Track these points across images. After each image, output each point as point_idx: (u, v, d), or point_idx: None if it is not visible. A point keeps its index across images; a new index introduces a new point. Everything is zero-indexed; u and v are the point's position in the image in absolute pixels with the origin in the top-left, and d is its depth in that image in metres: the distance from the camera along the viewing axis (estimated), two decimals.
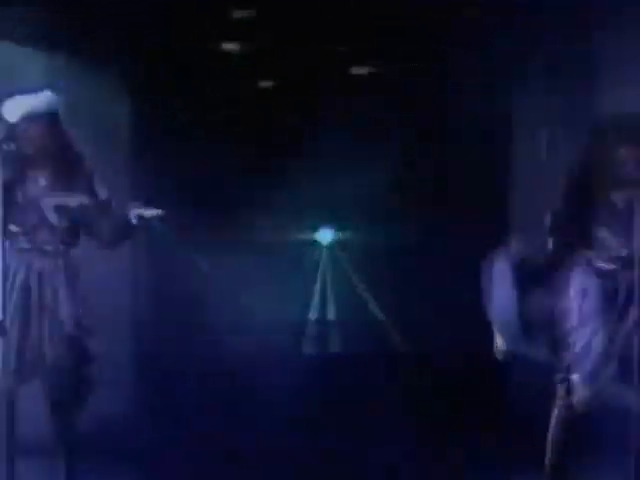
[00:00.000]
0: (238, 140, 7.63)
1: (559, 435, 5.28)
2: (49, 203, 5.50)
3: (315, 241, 7.07)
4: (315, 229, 7.11)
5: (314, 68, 7.73)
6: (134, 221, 5.59)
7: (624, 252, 5.11)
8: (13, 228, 5.32)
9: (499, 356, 5.29)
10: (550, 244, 5.30)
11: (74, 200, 5.57)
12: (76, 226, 5.55)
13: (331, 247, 7.07)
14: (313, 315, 7.06)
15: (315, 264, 7.12)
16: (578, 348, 5.20)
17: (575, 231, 5.26)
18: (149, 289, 7.71)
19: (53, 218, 5.49)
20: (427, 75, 7.55)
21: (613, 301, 5.13)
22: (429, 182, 7.70)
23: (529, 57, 6.99)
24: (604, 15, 6.28)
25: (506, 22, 6.46)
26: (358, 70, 8.11)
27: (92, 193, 5.54)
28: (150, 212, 5.56)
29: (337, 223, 7.16)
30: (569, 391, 5.20)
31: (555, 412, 5.26)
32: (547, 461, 5.30)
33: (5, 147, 5.07)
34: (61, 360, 5.45)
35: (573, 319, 5.21)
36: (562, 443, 5.28)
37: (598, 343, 5.17)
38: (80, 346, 5.52)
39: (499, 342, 5.29)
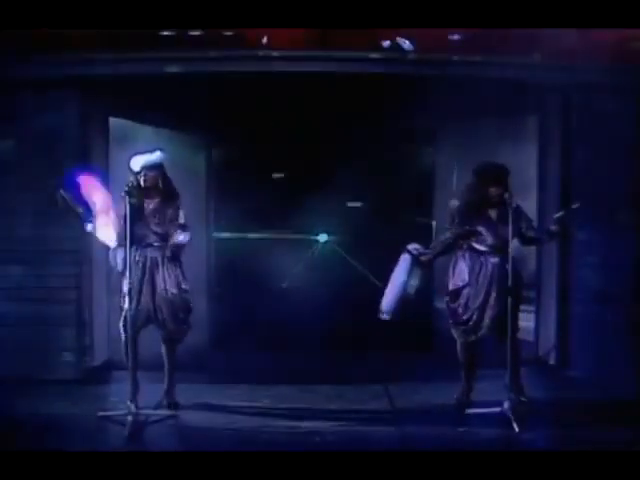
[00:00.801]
0: (272, 184, 9.14)
1: (461, 352, 6.86)
2: (154, 218, 6.82)
3: (317, 240, 8.65)
4: (317, 232, 8.66)
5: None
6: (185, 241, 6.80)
7: (491, 242, 6.73)
8: (135, 232, 6.59)
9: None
10: (451, 235, 6.81)
11: (167, 218, 6.83)
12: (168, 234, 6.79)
13: (325, 243, 8.70)
14: (315, 276, 8.71)
15: (317, 252, 8.71)
16: (461, 298, 6.78)
17: (465, 228, 6.79)
18: (215, 266, 9.16)
19: (155, 227, 6.76)
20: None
21: (482, 270, 6.75)
22: (386, 206, 9.14)
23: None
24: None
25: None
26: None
27: (176, 217, 6.83)
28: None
29: (329, 229, 8.74)
30: (456, 324, 6.75)
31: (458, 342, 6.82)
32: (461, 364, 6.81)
33: (131, 185, 6.63)
34: (169, 310, 6.81)
35: (457, 280, 6.80)
36: (464, 357, 6.83)
37: (472, 294, 6.75)
38: (181, 300, 6.88)
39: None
